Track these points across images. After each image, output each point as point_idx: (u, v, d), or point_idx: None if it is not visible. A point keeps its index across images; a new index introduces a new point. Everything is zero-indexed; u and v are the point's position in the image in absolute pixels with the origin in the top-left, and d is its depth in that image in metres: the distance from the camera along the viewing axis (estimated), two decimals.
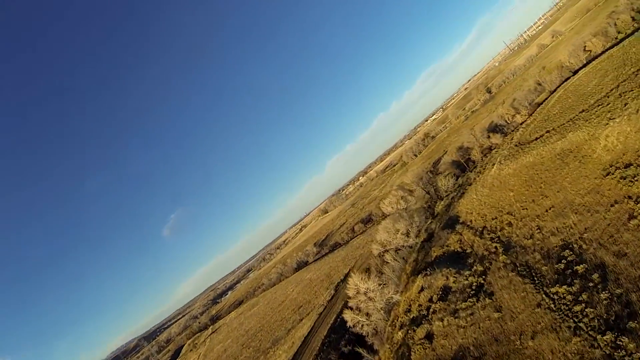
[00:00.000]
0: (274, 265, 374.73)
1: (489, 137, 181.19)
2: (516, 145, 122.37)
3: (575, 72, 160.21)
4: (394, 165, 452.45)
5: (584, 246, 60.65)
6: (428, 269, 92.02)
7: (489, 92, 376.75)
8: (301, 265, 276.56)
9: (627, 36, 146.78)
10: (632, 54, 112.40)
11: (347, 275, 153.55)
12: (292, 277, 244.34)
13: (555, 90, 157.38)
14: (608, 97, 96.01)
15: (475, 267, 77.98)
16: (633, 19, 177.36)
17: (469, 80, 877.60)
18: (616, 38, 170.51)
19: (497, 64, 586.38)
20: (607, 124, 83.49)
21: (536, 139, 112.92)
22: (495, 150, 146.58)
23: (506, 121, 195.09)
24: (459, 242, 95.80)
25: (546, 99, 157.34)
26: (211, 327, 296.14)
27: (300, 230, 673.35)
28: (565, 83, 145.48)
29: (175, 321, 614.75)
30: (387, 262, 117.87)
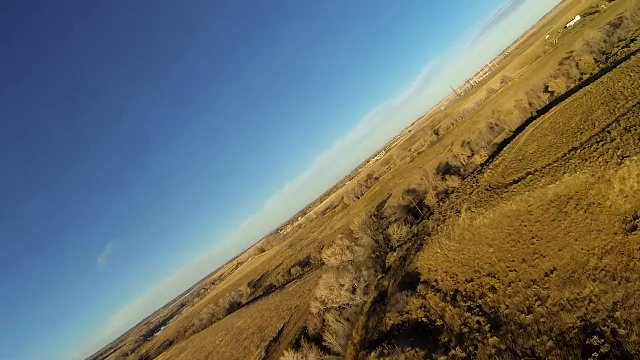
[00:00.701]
0: (206, 304, 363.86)
1: (443, 178, 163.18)
2: (488, 190, 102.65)
3: (541, 112, 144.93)
4: (335, 207, 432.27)
5: (620, 330, 42.47)
6: (385, 345, 70.54)
7: (437, 133, 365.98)
8: (234, 307, 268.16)
9: (596, 75, 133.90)
10: (621, 88, 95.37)
11: (280, 333, 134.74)
12: (223, 321, 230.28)
13: (520, 129, 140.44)
14: (608, 132, 76.81)
15: (453, 351, 57.79)
16: (596, 60, 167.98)
17: (413, 123, 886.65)
18: (580, 79, 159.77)
19: (443, 108, 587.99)
20: (621, 163, 63.47)
21: (514, 182, 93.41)
22: (456, 194, 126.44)
23: (462, 162, 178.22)
24: (422, 308, 74.94)
25: (510, 138, 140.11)
26: None
27: (236, 266, 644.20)
28: (534, 122, 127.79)
29: (106, 357, 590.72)
30: (329, 325, 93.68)
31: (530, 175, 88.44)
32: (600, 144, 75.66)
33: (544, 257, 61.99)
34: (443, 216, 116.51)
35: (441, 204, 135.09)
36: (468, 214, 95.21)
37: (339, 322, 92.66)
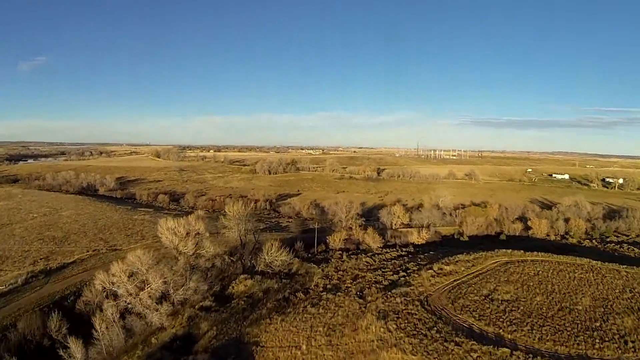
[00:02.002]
0: (75, 168, 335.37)
1: (364, 227, 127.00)
2: (425, 308, 64.38)
3: (512, 242, 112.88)
4: (244, 165, 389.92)
5: None
6: None
7: (378, 173, 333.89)
8: (86, 190, 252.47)
9: (591, 252, 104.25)
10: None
11: (72, 263, 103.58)
12: (65, 198, 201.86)
13: (484, 243, 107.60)
14: None
15: None
16: (588, 232, 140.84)
17: (361, 148, 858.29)
18: (565, 238, 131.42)
19: (397, 155, 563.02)
20: None
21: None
22: (368, 264, 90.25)
23: (391, 224, 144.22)
24: None
25: (464, 245, 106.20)
26: None
27: (130, 154, 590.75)
28: (508, 253, 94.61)
29: None
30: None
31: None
32: None
33: None
34: (338, 281, 79.32)
35: (345, 258, 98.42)
36: (374, 318, 57.49)
37: None
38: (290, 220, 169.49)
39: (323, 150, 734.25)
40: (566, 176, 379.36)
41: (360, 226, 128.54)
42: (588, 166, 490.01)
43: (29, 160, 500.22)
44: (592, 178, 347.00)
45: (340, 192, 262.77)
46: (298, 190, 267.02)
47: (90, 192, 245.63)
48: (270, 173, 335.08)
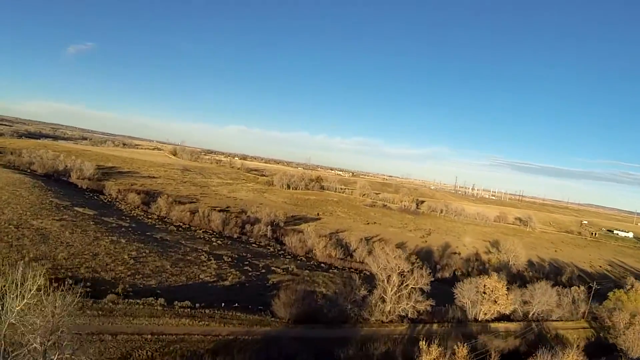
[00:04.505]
0: (68, 151, 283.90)
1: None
2: None
3: None
4: (262, 176, 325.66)
5: None
6: None
7: (417, 206, 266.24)
8: (55, 174, 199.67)
9: None
10: None
11: None
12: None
13: None
14: None
15: None
16: None
17: (392, 176, 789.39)
18: None
19: (432, 187, 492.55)
20: None
21: None
22: None
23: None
24: None
25: None
26: None
27: (153, 149, 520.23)
28: None
29: None
30: None
31: None
32: None
33: None
34: None
35: None
36: None
37: None
38: (288, 269, 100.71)
39: (353, 173, 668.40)
40: (630, 234, 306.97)
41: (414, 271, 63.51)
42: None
43: (41, 139, 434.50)
44: None
45: (371, 224, 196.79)
46: (318, 214, 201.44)
47: (59, 177, 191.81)
48: (289, 188, 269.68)
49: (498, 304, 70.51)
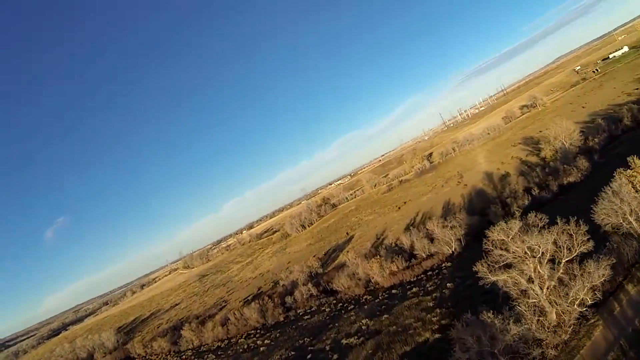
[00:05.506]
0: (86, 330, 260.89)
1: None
2: None
3: None
4: (274, 232, 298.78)
5: None
6: None
7: (429, 160, 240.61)
8: None
9: None
10: None
11: None
12: None
13: None
14: None
15: None
16: None
17: (385, 154, 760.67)
18: None
19: (426, 138, 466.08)
20: None
21: None
22: None
23: None
24: None
25: None
26: None
27: (169, 273, 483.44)
28: None
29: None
30: None
31: None
32: None
33: None
34: None
35: None
36: None
37: None
38: (361, 328, 72.06)
39: (351, 175, 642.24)
40: (625, 48, 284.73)
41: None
42: (619, 38, 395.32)
43: (62, 331, 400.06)
44: None
45: (402, 206, 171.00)
46: (347, 233, 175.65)
47: None
48: (305, 227, 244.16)
49: None
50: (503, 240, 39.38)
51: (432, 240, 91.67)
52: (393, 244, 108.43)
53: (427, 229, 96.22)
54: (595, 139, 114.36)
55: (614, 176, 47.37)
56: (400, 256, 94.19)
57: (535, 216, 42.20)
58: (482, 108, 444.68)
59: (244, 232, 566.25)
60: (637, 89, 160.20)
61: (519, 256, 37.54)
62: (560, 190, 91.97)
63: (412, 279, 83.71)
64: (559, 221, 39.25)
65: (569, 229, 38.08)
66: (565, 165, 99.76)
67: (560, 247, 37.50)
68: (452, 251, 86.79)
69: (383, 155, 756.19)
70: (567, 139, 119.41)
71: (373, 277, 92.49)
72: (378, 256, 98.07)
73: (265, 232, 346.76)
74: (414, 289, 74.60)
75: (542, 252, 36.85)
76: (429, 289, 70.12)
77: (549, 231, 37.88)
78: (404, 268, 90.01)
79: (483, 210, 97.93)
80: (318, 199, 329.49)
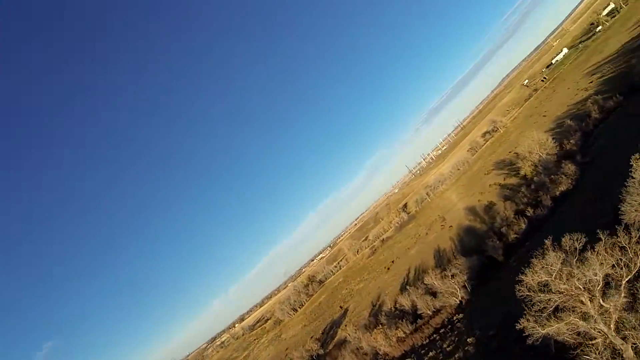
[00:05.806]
0: None
1: None
2: None
3: None
4: (267, 320, 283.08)
5: None
6: None
7: (406, 212, 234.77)
8: None
9: None
10: None
11: None
12: None
13: None
14: None
15: None
16: None
17: (358, 217, 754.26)
18: None
19: (397, 191, 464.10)
20: None
21: None
22: None
23: None
24: None
25: None
26: None
27: None
28: None
29: None
30: None
31: None
32: None
33: None
34: None
35: None
36: None
37: None
38: None
39: (331, 246, 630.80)
40: (564, 50, 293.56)
41: None
42: (554, 43, 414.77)
43: None
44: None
45: (391, 265, 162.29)
46: (340, 307, 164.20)
47: None
48: (296, 310, 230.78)
49: None
50: (545, 281, 31.29)
51: (434, 294, 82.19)
52: (392, 308, 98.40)
53: (426, 284, 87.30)
54: (571, 141, 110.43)
55: (631, 165, 40.87)
56: (404, 320, 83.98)
57: (570, 238, 33.90)
58: (444, 147, 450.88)
59: (236, 325, 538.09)
60: (591, 82, 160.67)
61: (570, 294, 29.44)
62: (555, 203, 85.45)
63: (424, 342, 73.15)
64: (602, 235, 31.45)
65: (619, 242, 30.39)
66: (551, 176, 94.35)
67: (615, 266, 29.60)
68: (460, 300, 77.51)
69: (357, 219, 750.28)
70: (542, 149, 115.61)
71: (380, 349, 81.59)
72: (380, 325, 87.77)
73: (258, 321, 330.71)
74: (431, 353, 64.16)
75: (600, 282, 28.80)
76: (448, 349, 60.19)
77: (595, 252, 30.03)
78: (411, 332, 79.69)
79: (479, 247, 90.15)
80: (303, 278, 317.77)
